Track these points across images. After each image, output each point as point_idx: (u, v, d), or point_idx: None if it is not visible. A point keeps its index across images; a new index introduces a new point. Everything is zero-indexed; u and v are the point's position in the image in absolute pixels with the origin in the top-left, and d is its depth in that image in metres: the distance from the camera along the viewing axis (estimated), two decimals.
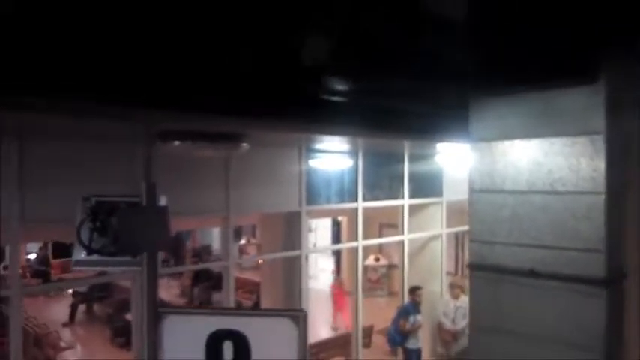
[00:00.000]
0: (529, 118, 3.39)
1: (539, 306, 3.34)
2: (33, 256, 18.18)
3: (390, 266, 14.81)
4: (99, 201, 3.56)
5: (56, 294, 15.53)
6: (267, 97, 3.75)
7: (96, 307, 13.39)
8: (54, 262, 17.03)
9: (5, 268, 15.62)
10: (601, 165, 3.11)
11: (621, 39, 3.12)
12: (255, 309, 9.47)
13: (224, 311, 4.12)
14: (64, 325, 12.26)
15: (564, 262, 3.23)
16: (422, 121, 4.73)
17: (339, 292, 12.21)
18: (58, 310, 13.16)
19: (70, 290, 13.86)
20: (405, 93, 4.10)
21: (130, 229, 3.24)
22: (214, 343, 3.39)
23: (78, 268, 3.82)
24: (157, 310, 3.44)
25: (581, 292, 3.18)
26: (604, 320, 3.12)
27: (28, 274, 15.40)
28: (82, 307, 13.37)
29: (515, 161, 3.47)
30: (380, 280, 15.05)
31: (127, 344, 10.90)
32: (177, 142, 3.93)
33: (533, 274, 3.37)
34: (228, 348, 3.44)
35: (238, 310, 5.57)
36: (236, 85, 3.51)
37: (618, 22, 3.10)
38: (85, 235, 3.59)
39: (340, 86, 3.86)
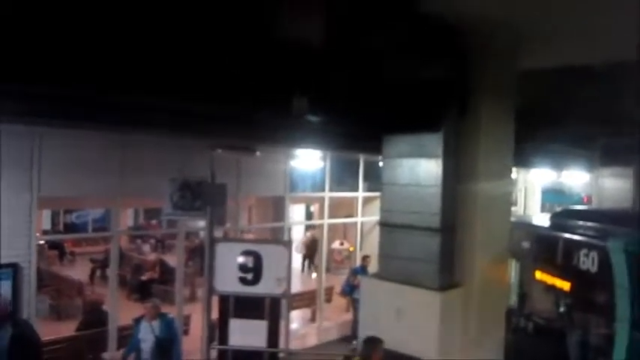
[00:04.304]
0: (407, 147, 6.59)
1: (411, 243, 6.53)
2: None
3: (352, 250, 17.94)
4: (183, 181, 6.64)
5: (70, 263, 18.37)
6: (272, 130, 6.88)
7: (109, 272, 16.24)
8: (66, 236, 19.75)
9: None
10: (439, 171, 6.32)
11: (451, 110, 6.37)
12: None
13: (248, 240, 7.29)
14: (86, 284, 15.09)
15: (422, 220, 6.43)
16: (361, 142, 7.95)
17: None
18: (76, 274, 15.91)
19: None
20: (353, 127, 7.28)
21: (204, 195, 6.34)
22: (243, 256, 6.49)
23: (168, 218, 6.89)
24: (213, 240, 6.54)
25: (429, 235, 6.38)
26: (439, 248, 6.32)
27: (46, 246, 18.04)
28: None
29: (403, 168, 6.66)
30: (343, 261, 18.14)
31: (141, 299, 13.81)
32: (220, 150, 7.00)
33: (410, 227, 6.56)
34: (249, 260, 6.53)
35: (256, 240, 8.72)
36: (256, 124, 6.62)
37: (449, 101, 6.34)
38: (174, 198, 6.67)
39: (313, 121, 6.94)
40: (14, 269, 6.88)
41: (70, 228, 21.76)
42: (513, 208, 18.14)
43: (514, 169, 17.52)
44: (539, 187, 20.31)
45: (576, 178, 19.20)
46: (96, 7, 4.52)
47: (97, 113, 5.57)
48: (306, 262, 18.17)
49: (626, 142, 13.78)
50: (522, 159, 14.22)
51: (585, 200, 21.29)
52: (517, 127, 7.29)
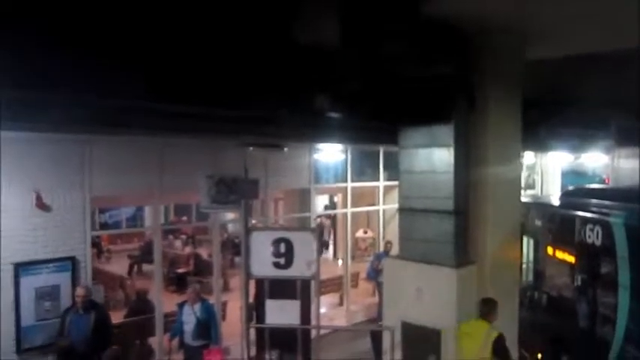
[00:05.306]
0: (422, 137, 7.18)
1: (427, 226, 7.13)
2: None
3: (375, 238, 18.56)
4: (220, 177, 7.33)
5: (106, 259, 19.29)
6: (296, 127, 7.53)
7: (145, 267, 17.12)
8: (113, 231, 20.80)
9: None
10: (452, 159, 6.91)
11: (460, 102, 6.94)
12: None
13: (280, 228, 7.96)
14: (125, 278, 15.99)
15: (437, 204, 7.02)
16: (379, 135, 8.56)
17: None
18: (115, 269, 16.82)
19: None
20: (371, 121, 7.90)
21: (239, 190, 7.03)
22: (275, 243, 7.13)
23: (206, 211, 7.59)
24: (248, 228, 7.22)
25: (444, 217, 6.97)
26: (453, 229, 6.92)
27: None
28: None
29: (419, 157, 7.24)
30: (367, 249, 18.78)
31: (177, 291, 14.65)
32: (251, 148, 7.70)
33: (426, 210, 7.16)
34: (282, 246, 7.17)
35: (286, 227, 9.42)
36: (282, 123, 7.27)
37: (459, 94, 6.91)
38: (211, 193, 7.37)
39: (334, 117, 7.57)
40: (72, 262, 7.72)
41: (104, 227, 22.77)
42: (531, 191, 18.63)
43: (532, 154, 18.01)
44: (559, 170, 20.65)
45: (596, 160, 19.52)
46: (141, 25, 5.24)
47: (142, 120, 6.30)
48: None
49: None
50: (539, 143, 14.64)
51: (607, 181, 21.53)
52: (532, 113, 7.73)
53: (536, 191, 19.21)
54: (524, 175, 18.33)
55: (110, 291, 13.04)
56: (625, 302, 6.45)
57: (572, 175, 21.74)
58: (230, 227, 20.72)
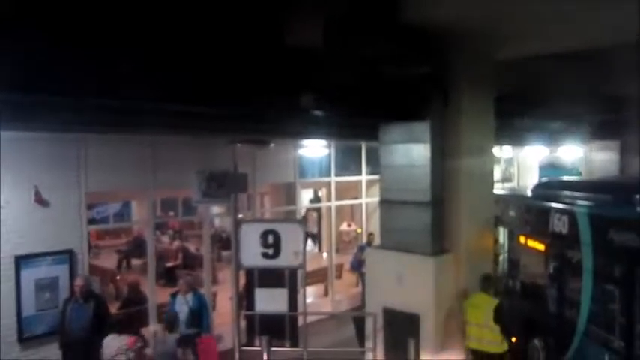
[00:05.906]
0: (400, 134, 7.65)
1: (406, 217, 7.62)
2: None
3: (358, 231, 18.97)
4: (210, 172, 7.71)
5: (95, 255, 19.49)
6: (282, 124, 7.93)
7: (133, 261, 17.43)
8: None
9: None
10: (428, 154, 7.39)
11: (435, 101, 7.41)
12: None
13: (268, 220, 8.37)
14: (115, 272, 16.28)
15: (416, 195, 7.51)
16: (361, 131, 9.01)
17: None
18: (104, 264, 17.10)
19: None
20: (353, 118, 8.32)
21: (228, 183, 7.43)
22: (264, 235, 7.53)
23: (197, 204, 7.98)
24: (237, 221, 7.62)
25: (421, 208, 7.45)
26: (430, 219, 7.41)
27: None
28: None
29: (398, 152, 7.72)
30: (351, 241, 19.20)
31: (165, 284, 14.97)
32: (239, 145, 8.08)
33: (405, 202, 7.64)
34: (270, 237, 7.58)
35: (274, 219, 9.84)
36: (269, 120, 7.67)
37: (434, 94, 7.37)
38: (202, 187, 7.75)
39: (318, 114, 7.96)
40: (70, 254, 8.09)
41: (92, 223, 22.88)
42: (509, 184, 19.20)
43: (509, 148, 18.56)
44: (536, 163, 21.23)
45: (571, 153, 20.11)
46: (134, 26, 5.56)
47: (134, 119, 6.65)
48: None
49: (613, 117, 14.91)
50: (515, 138, 15.18)
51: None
52: (508, 109, 8.17)
53: (514, 184, 19.80)
54: (501, 168, 18.94)
55: (101, 284, 13.34)
56: (588, 286, 6.97)
57: (549, 168, 22.32)
58: (217, 222, 21.05)
